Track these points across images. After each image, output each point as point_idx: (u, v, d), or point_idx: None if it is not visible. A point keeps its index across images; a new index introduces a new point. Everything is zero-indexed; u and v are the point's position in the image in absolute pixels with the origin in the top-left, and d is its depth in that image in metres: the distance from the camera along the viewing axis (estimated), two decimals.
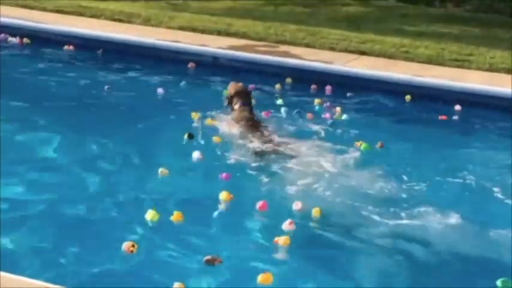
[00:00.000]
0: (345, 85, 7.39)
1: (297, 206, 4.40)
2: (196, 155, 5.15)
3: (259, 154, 5.34)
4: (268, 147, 5.43)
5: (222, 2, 13.29)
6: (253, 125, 5.79)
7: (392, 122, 6.67)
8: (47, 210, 4.16)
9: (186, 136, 5.51)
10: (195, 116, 6.05)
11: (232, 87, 6.20)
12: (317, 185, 4.80)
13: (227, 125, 5.87)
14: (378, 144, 5.62)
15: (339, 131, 6.10)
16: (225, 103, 6.17)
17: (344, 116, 6.43)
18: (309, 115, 6.36)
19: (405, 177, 5.02)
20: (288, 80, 7.52)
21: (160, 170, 4.76)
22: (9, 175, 4.58)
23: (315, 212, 4.32)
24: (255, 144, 5.47)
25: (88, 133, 5.58)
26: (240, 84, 6.26)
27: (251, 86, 7.17)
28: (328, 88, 7.30)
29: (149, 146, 5.47)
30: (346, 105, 6.78)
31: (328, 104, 6.76)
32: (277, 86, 7.29)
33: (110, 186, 4.65)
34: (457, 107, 6.95)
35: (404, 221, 4.33)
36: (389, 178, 4.96)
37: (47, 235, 3.88)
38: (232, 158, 5.27)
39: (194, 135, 5.57)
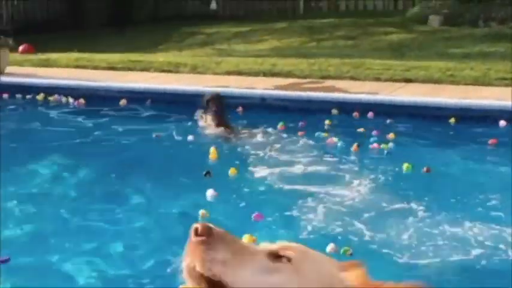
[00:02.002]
0: (392, 114, 7.46)
1: (330, 248, 4.22)
2: (210, 193, 5.22)
3: None
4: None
5: (266, 42, 13.64)
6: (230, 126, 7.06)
7: (441, 146, 6.66)
8: (87, 255, 4.34)
9: (204, 174, 5.66)
10: (213, 154, 6.27)
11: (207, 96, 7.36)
12: (355, 218, 4.77)
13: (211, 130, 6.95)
14: (424, 169, 5.64)
15: (385, 158, 6.17)
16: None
17: (390, 144, 6.49)
18: (355, 146, 6.46)
19: (453, 207, 4.95)
20: (334, 112, 7.64)
21: (200, 211, 4.85)
22: (64, 229, 4.85)
23: (346, 252, 4.17)
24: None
25: (137, 181, 5.79)
26: (214, 92, 7.46)
27: (301, 124, 7.31)
28: (370, 114, 7.47)
29: (192, 189, 5.56)
30: (392, 132, 6.83)
31: (375, 132, 6.85)
32: (327, 122, 7.37)
33: (154, 229, 4.79)
34: (502, 123, 6.93)
35: (448, 254, 4.22)
36: (434, 206, 4.91)
37: (84, 277, 4.05)
38: (254, 190, 5.39)
39: (211, 172, 5.70)
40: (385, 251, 4.32)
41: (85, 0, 17.51)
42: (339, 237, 4.48)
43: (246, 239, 4.30)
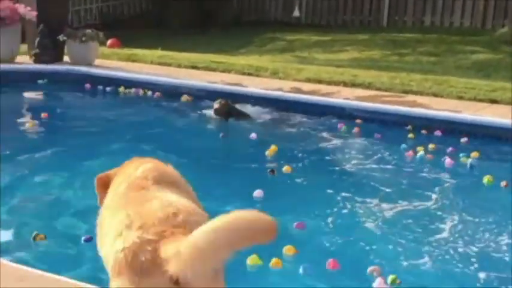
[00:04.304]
0: (475, 134, 7.32)
1: (375, 271, 3.98)
2: (257, 193, 5.26)
3: None
4: None
5: (347, 53, 13.56)
6: None
7: None
8: None
9: (269, 171, 5.79)
10: (271, 152, 6.43)
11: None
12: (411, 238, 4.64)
13: None
14: (503, 183, 5.50)
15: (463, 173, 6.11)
16: None
17: (469, 161, 6.39)
18: (429, 156, 6.53)
19: None
20: (412, 126, 7.58)
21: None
22: None
23: (394, 282, 3.88)
24: None
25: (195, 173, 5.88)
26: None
27: (377, 136, 7.32)
28: (441, 132, 7.43)
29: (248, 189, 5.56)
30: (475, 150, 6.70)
31: (451, 149, 6.75)
32: (410, 135, 7.38)
33: None
34: None
35: None
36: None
37: None
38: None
39: (275, 171, 5.84)
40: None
41: (171, 0, 17.90)
42: (388, 259, 4.27)
43: (287, 250, 4.27)
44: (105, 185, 2.35)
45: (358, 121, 7.86)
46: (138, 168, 2.25)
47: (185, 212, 1.96)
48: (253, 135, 7.19)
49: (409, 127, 7.58)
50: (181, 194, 2.17)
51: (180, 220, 1.91)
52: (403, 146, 6.93)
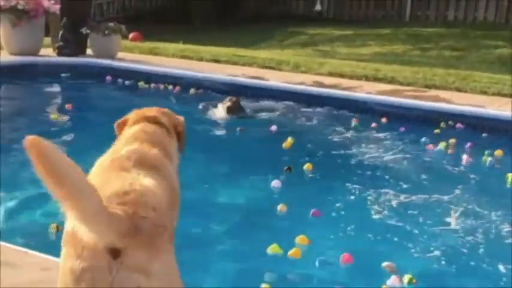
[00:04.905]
0: (497, 129, 7.24)
1: (388, 267, 3.92)
2: (275, 183, 5.30)
3: None
4: None
5: (369, 47, 13.50)
6: None
7: None
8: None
9: (285, 169, 5.73)
10: (288, 144, 6.43)
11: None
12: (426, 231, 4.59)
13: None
14: None
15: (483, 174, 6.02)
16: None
17: (489, 159, 6.34)
18: (450, 151, 6.52)
19: None
20: (432, 123, 7.52)
21: (279, 206, 4.87)
22: None
23: (408, 281, 3.78)
24: None
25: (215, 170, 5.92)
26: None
27: (401, 129, 7.27)
28: (458, 126, 7.39)
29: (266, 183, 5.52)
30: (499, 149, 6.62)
31: (469, 144, 6.69)
32: (436, 131, 7.33)
33: (229, 222, 4.78)
34: None
35: None
36: None
37: None
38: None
39: (292, 168, 5.77)
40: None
41: None
42: (402, 254, 4.23)
43: (300, 239, 4.27)
44: (123, 128, 2.68)
45: (379, 115, 7.81)
46: (124, 147, 2.41)
47: (137, 192, 2.07)
48: (273, 128, 7.17)
49: (431, 122, 7.51)
50: (160, 179, 2.26)
51: (128, 198, 2.03)
52: (424, 140, 6.87)
